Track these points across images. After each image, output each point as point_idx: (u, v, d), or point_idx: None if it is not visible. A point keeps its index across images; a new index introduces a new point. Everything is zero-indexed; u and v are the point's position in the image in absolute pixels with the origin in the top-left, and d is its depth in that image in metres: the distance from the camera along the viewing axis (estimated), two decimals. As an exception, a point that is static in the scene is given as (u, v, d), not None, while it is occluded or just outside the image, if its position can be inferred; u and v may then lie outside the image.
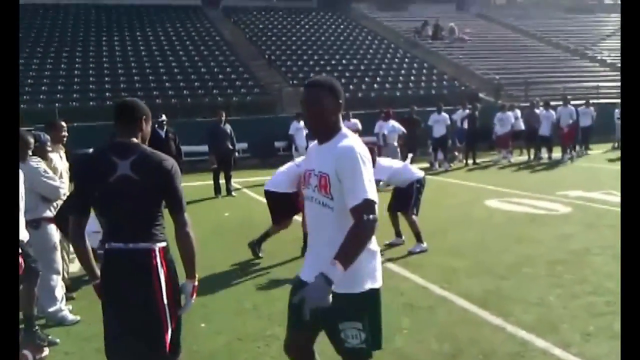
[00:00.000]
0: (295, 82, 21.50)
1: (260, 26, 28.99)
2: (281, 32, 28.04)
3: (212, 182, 11.27)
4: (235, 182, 12.02)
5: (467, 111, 15.67)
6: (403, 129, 13.87)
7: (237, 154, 11.87)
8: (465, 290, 5.13)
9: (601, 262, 5.87)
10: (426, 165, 14.98)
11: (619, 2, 45.34)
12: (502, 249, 6.55)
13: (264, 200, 6.86)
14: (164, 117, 10.52)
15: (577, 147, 16.72)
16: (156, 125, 9.99)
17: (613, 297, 4.78)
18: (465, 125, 15.48)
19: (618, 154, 15.83)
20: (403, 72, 23.98)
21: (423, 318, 4.57)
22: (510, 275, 5.56)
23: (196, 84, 20.64)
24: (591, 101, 18.12)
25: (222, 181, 11.30)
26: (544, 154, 15.89)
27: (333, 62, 24.24)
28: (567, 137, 15.65)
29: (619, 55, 30.74)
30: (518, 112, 16.51)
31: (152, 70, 20.97)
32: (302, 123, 13.98)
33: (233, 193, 11.31)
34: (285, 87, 20.87)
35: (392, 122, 14.12)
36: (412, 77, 23.40)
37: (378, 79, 22.85)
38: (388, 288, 5.25)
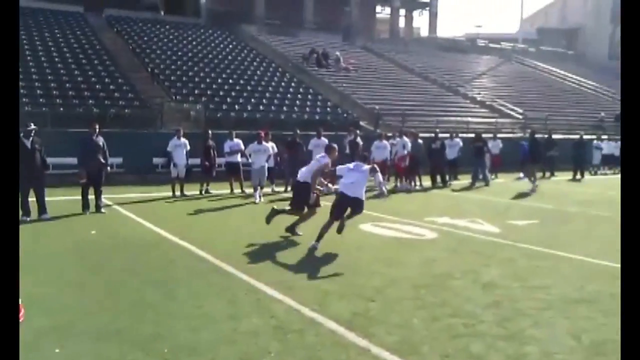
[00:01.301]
0: (178, 97, 20.97)
1: (145, 38, 28.07)
2: (167, 45, 27.33)
3: (80, 197, 10.56)
4: (106, 198, 11.36)
5: (351, 137, 16.17)
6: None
7: (109, 168, 11.22)
8: (335, 312, 5.17)
9: (461, 286, 6.20)
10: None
11: (490, 45, 49.67)
12: (372, 272, 6.71)
13: (137, 218, 6.55)
14: (32, 125, 9.80)
15: (447, 177, 17.86)
16: (22, 134, 9.32)
17: (471, 320, 5.05)
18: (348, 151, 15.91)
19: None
20: (289, 95, 24.27)
21: (292, 341, 4.52)
22: (377, 297, 5.69)
23: (70, 92, 19.39)
24: (460, 135, 19.61)
25: (91, 196, 10.62)
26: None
27: (219, 80, 23.99)
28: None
29: (488, 93, 33.51)
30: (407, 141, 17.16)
31: (24, 76, 19.41)
32: (182, 139, 13.61)
33: (102, 210, 10.66)
34: (167, 102, 20.23)
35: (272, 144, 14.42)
36: (298, 102, 23.76)
37: (264, 100, 22.92)
38: (259, 311, 5.19)
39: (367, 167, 8.22)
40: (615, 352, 4.31)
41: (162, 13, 34.10)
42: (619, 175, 21.98)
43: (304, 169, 8.93)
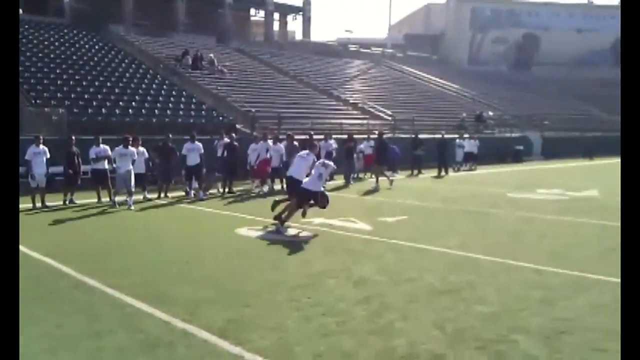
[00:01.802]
0: (38, 101, 19.43)
1: None
2: (26, 46, 25.16)
3: None
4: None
5: (227, 140, 15.89)
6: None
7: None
8: (208, 321, 5.04)
9: (334, 285, 6.33)
10: (181, 193, 14.75)
11: (361, 50, 51.56)
12: (247, 277, 6.66)
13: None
14: None
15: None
16: None
17: (343, 317, 5.17)
18: (224, 154, 15.66)
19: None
20: (161, 98, 23.44)
21: (161, 356, 4.33)
22: (253, 302, 5.64)
23: None
24: (334, 136, 20.14)
25: None
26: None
27: (84, 83, 22.57)
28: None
29: (360, 96, 34.76)
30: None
31: None
32: (41, 147, 12.64)
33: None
34: (27, 107, 18.66)
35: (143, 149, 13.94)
36: (170, 105, 23.01)
37: (134, 103, 21.92)
38: (125, 326, 4.92)
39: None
40: (475, 339, 4.63)
41: (21, 12, 31.46)
42: (478, 172, 23.85)
43: (298, 170, 10.22)
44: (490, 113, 37.97)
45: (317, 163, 10.20)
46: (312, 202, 9.89)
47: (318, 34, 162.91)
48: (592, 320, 5.13)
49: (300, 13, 50.39)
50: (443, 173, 22.44)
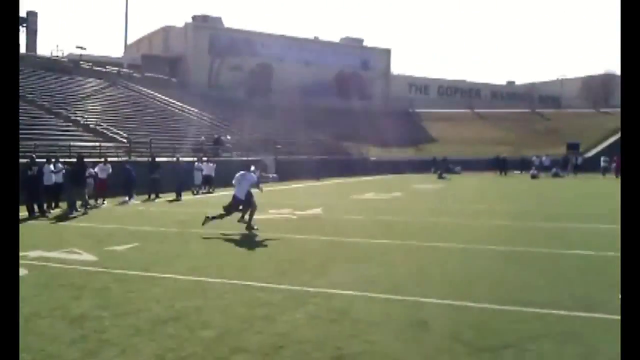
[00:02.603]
0: None
1: None
2: None
3: None
4: None
5: None
6: None
7: None
8: None
9: (48, 325, 5.69)
10: None
11: (95, 68, 48.43)
12: None
13: None
14: None
15: (45, 205, 16.56)
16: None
17: (51, 362, 4.66)
18: None
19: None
20: None
21: None
22: None
23: None
24: (62, 160, 18.47)
25: None
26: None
27: None
28: None
29: (93, 117, 32.56)
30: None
31: None
32: None
33: None
34: None
35: None
36: None
37: None
38: None
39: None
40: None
41: None
42: (215, 194, 24.26)
43: (240, 186, 13.02)
44: (229, 137, 39.21)
45: None
46: None
47: (47, 49, 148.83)
48: (308, 332, 5.52)
49: (24, 25, 45.46)
50: (180, 197, 22.28)
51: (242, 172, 13.37)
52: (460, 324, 5.72)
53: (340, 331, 5.53)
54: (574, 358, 4.86)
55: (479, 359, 4.82)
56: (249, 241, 11.43)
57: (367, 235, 12.05)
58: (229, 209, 12.90)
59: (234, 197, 12.95)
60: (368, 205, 19.62)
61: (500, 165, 44.31)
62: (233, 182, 13.34)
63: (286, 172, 36.56)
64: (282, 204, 19.26)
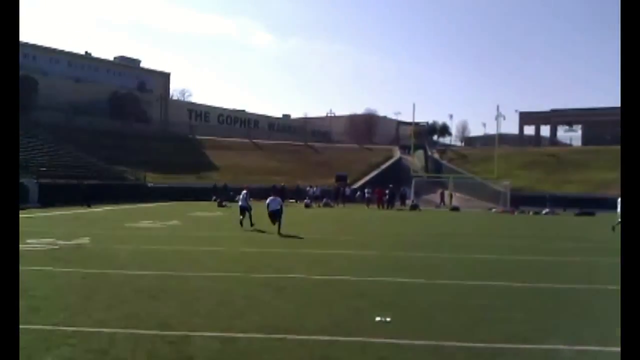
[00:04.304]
0: None
1: None
2: None
3: None
4: None
5: None
6: None
7: None
8: None
9: None
10: None
11: None
12: None
13: None
14: None
15: None
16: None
17: None
18: None
19: None
20: None
21: None
22: None
23: None
24: None
25: None
26: None
27: None
28: None
29: None
30: None
31: None
32: None
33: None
34: None
35: None
36: None
37: None
38: None
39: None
40: None
41: None
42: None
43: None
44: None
45: None
46: None
47: None
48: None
49: None
50: None
51: None
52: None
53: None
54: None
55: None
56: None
57: (137, 267, 11.44)
58: None
59: None
60: (141, 234, 18.70)
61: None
62: None
63: (51, 198, 33.18)
64: (44, 233, 17.34)
